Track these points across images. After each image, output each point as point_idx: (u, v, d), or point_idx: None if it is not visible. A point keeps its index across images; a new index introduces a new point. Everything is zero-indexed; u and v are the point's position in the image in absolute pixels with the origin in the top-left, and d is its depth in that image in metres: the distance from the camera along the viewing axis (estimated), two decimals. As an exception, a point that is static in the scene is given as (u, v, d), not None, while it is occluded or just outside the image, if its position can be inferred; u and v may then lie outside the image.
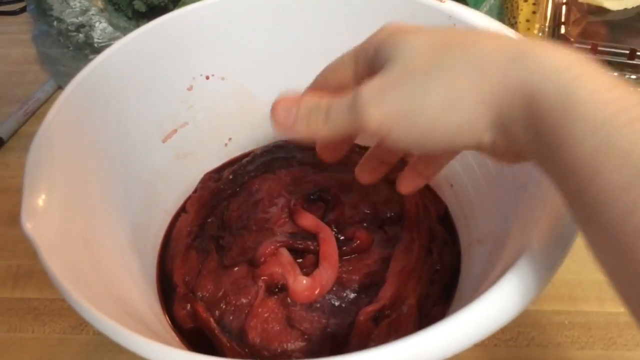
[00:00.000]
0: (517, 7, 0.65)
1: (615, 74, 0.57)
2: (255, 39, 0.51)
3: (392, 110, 0.26)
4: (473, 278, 0.41)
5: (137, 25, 0.68)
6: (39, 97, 0.71)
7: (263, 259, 0.43)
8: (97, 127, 0.43)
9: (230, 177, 0.52)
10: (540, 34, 0.63)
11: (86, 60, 0.65)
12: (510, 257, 0.30)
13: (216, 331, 0.40)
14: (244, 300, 0.41)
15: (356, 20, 0.50)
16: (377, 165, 0.38)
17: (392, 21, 0.30)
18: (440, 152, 0.27)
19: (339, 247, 0.44)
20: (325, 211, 0.47)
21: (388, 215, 0.47)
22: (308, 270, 0.43)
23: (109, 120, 0.44)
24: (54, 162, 0.36)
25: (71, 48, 0.67)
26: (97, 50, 0.65)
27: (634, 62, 0.58)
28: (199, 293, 0.43)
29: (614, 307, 0.47)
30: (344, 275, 0.42)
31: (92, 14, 0.65)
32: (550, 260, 0.28)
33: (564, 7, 0.63)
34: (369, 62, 0.30)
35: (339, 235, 0.45)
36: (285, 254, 0.43)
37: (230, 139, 0.55)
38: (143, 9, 0.68)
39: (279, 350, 0.39)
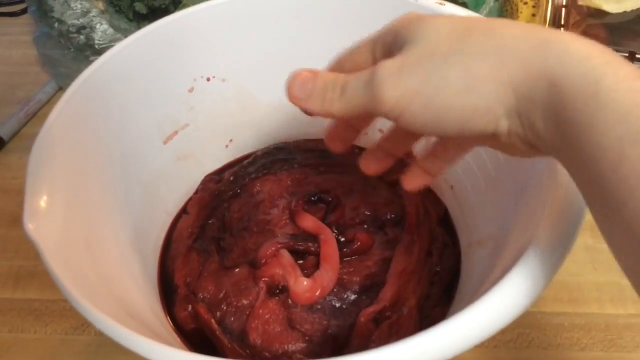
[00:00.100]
0: (517, 10, 0.65)
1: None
2: (256, 40, 0.51)
3: (409, 89, 0.26)
4: (473, 279, 0.41)
5: (138, 27, 0.68)
6: (40, 98, 0.71)
7: (264, 260, 0.43)
8: (98, 129, 0.43)
9: (231, 178, 0.52)
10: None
11: (87, 61, 0.65)
12: (510, 259, 0.30)
13: (217, 332, 0.40)
14: (245, 302, 0.42)
15: (356, 22, 0.50)
16: (383, 157, 0.38)
17: (411, 11, 0.30)
18: (454, 136, 0.26)
19: (340, 249, 0.44)
20: (326, 213, 0.47)
21: (388, 216, 0.47)
22: (309, 271, 0.43)
23: (110, 122, 0.44)
24: (56, 163, 0.37)
25: (72, 49, 0.67)
26: (98, 52, 0.65)
27: (634, 64, 0.58)
28: (200, 294, 0.43)
29: (614, 308, 0.47)
30: (344, 276, 0.42)
31: (93, 16, 0.65)
32: (550, 262, 0.28)
33: (563, 10, 0.63)
34: (388, 46, 0.29)
35: (340, 237, 0.45)
36: (286, 256, 0.43)
37: (231, 140, 0.55)
38: (144, 10, 0.68)
39: (279, 352, 0.39)
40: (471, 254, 0.44)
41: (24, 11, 0.87)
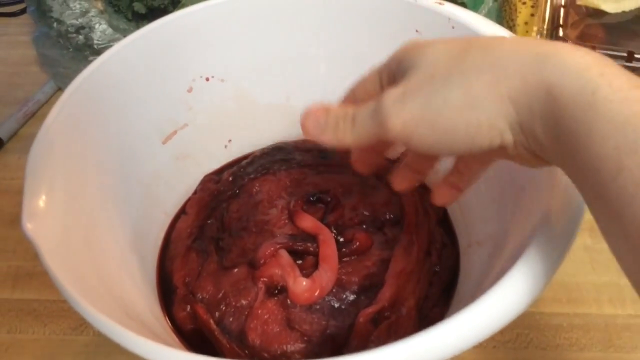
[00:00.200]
0: (516, 10, 0.65)
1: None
2: (255, 40, 0.51)
3: (413, 114, 0.27)
4: (472, 280, 0.41)
5: (137, 27, 0.68)
6: (38, 98, 0.71)
7: (263, 260, 0.43)
8: (97, 129, 0.43)
9: (230, 178, 0.52)
10: (538, 37, 0.63)
11: (86, 61, 0.65)
12: (509, 259, 0.30)
13: (216, 332, 0.40)
14: (243, 302, 0.42)
15: (355, 22, 0.50)
16: (410, 174, 0.39)
17: (413, 39, 0.31)
18: (465, 154, 0.27)
19: (339, 249, 0.44)
20: (325, 213, 0.47)
21: (387, 217, 0.47)
22: (308, 271, 0.43)
23: (109, 122, 0.44)
24: (55, 163, 0.37)
25: (71, 49, 0.67)
26: (97, 52, 0.65)
27: (632, 64, 0.58)
28: (199, 294, 0.43)
29: (612, 309, 0.47)
30: (343, 277, 0.42)
31: (92, 16, 0.65)
32: (549, 262, 0.28)
33: (562, 10, 0.63)
34: (392, 74, 0.31)
35: (339, 237, 0.45)
36: (285, 256, 0.43)
37: (230, 140, 0.55)
38: (143, 10, 0.68)
39: (278, 352, 0.39)
40: (470, 254, 0.44)
41: (22, 11, 0.87)
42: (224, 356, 0.39)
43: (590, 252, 0.51)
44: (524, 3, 0.65)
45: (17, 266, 0.53)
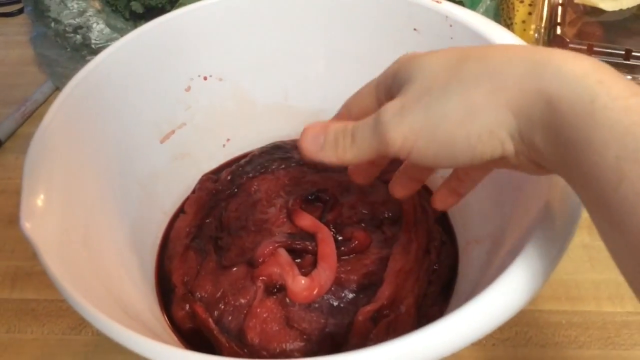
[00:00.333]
0: (513, 8, 0.65)
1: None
2: (253, 39, 0.51)
3: (412, 127, 0.26)
4: (471, 278, 0.41)
5: (135, 27, 0.68)
6: (36, 98, 0.71)
7: (261, 259, 0.43)
8: (95, 128, 0.43)
9: (229, 177, 0.52)
10: (536, 35, 0.63)
11: (84, 61, 0.65)
12: (508, 257, 0.30)
13: (215, 331, 0.40)
14: (242, 301, 0.42)
15: (353, 21, 0.50)
16: (409, 182, 0.39)
17: (408, 52, 0.31)
18: (466, 165, 0.27)
19: (337, 248, 0.44)
20: (323, 211, 0.47)
21: (386, 215, 0.47)
22: (306, 270, 0.43)
23: (107, 121, 0.44)
24: (53, 162, 0.37)
25: (69, 49, 0.67)
26: (95, 52, 0.65)
27: (630, 62, 0.58)
28: (198, 293, 0.43)
29: (611, 306, 0.47)
30: (342, 275, 0.42)
31: (90, 15, 0.65)
32: (547, 260, 0.28)
33: (559, 8, 0.63)
34: (389, 88, 0.30)
35: (337, 236, 0.45)
36: (283, 255, 0.43)
37: (228, 139, 0.55)
38: (140, 10, 0.68)
39: (277, 350, 0.39)
40: (469, 252, 0.44)
41: (20, 11, 0.87)
42: (223, 355, 0.39)
43: (589, 250, 0.51)
44: (522, 1, 0.65)
45: (15, 266, 0.53)
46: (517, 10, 0.65)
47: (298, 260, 0.44)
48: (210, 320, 0.41)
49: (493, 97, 0.25)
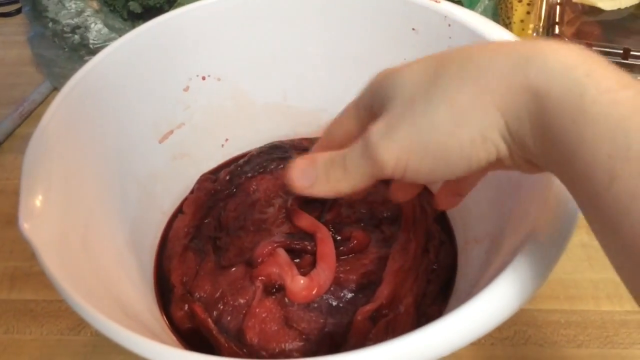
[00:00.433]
0: (512, 8, 0.66)
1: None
2: (251, 39, 0.51)
3: (403, 145, 0.25)
4: (470, 277, 0.41)
5: (133, 27, 0.68)
6: (34, 98, 0.71)
7: (260, 259, 0.43)
8: (93, 128, 0.43)
9: (227, 177, 0.52)
10: (534, 35, 0.63)
11: (82, 61, 0.65)
12: (506, 256, 0.30)
13: (214, 331, 0.40)
14: (241, 301, 0.42)
15: (352, 21, 0.50)
16: (409, 187, 0.37)
17: (382, 70, 0.30)
18: (464, 174, 0.26)
19: (336, 247, 0.44)
20: (322, 211, 0.47)
21: (385, 215, 0.47)
22: (305, 270, 0.43)
23: (106, 121, 0.44)
24: (51, 163, 0.36)
25: (66, 49, 0.67)
26: (93, 52, 0.65)
27: (628, 61, 0.58)
28: (197, 294, 0.43)
29: (610, 305, 0.47)
30: (341, 275, 0.42)
31: (88, 15, 0.65)
32: (546, 259, 0.28)
33: (558, 8, 0.64)
34: (369, 108, 0.29)
35: (336, 235, 0.45)
36: (282, 255, 0.43)
37: (226, 139, 0.55)
38: (138, 10, 0.68)
39: (277, 350, 0.39)
40: (468, 251, 0.44)
41: (18, 11, 0.87)
42: (222, 355, 0.39)
43: (588, 249, 0.51)
44: (520, 1, 0.65)
45: (14, 266, 0.53)
46: (516, 10, 0.65)
47: (297, 260, 0.44)
48: (209, 320, 0.41)
49: (479, 99, 0.24)
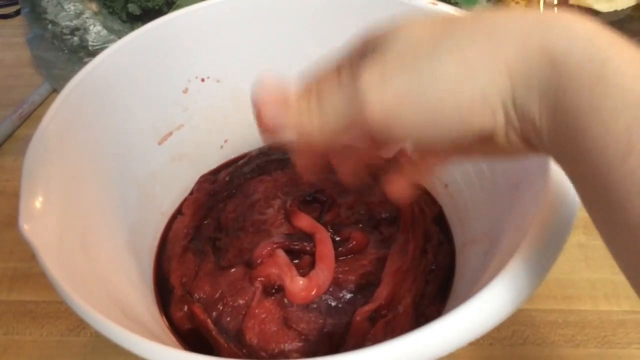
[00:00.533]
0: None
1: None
2: (250, 41, 0.51)
3: (397, 92, 0.23)
4: (468, 278, 0.41)
5: (132, 28, 0.68)
6: (33, 100, 0.71)
7: (260, 260, 0.43)
8: (93, 130, 0.43)
9: (226, 178, 0.52)
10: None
11: (81, 63, 0.65)
12: (504, 257, 0.30)
13: (213, 332, 0.40)
14: (240, 302, 0.42)
15: (349, 22, 0.50)
16: (404, 180, 0.34)
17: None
18: (450, 139, 0.24)
19: (335, 248, 0.44)
20: (321, 212, 0.48)
21: (383, 215, 0.47)
22: (304, 271, 0.43)
23: (105, 123, 0.44)
24: (51, 164, 0.37)
25: (66, 51, 0.67)
26: (92, 53, 0.65)
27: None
28: (196, 294, 0.43)
29: (607, 305, 0.47)
30: (340, 275, 0.43)
31: (87, 17, 0.65)
32: (543, 259, 0.28)
33: (555, 10, 0.64)
34: (357, 60, 0.26)
35: (335, 236, 0.45)
36: (281, 255, 0.43)
37: (225, 140, 0.56)
38: (137, 12, 0.68)
39: (276, 351, 0.39)
40: (466, 252, 0.44)
41: (17, 13, 0.87)
42: (222, 356, 0.39)
43: (585, 250, 0.51)
44: (517, 3, 0.66)
45: (13, 268, 0.53)
46: (513, 11, 0.65)
47: (296, 261, 0.44)
48: (208, 321, 0.41)
49: (489, 58, 0.22)
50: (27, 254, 0.53)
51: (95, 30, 0.65)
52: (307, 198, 0.49)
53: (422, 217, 0.47)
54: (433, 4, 0.45)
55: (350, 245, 0.44)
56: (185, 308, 0.43)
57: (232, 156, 0.56)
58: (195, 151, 0.53)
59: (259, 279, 0.42)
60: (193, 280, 0.44)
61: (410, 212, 0.46)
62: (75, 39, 0.65)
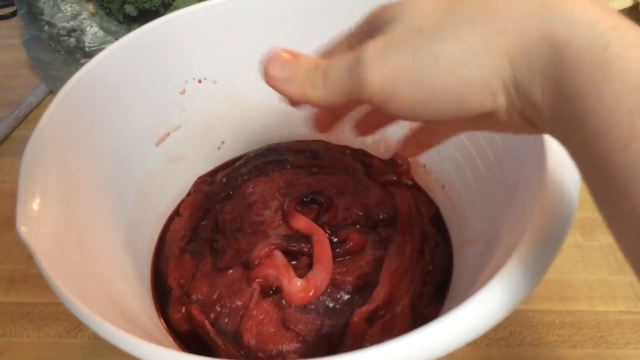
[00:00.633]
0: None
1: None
2: (247, 42, 0.51)
3: (396, 68, 0.24)
4: (465, 278, 0.41)
5: (129, 30, 0.68)
6: (30, 101, 0.71)
7: (257, 261, 0.43)
8: (90, 131, 0.43)
9: (224, 180, 0.52)
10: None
11: (77, 64, 0.65)
12: (501, 258, 0.30)
13: (211, 333, 0.40)
14: (238, 303, 0.42)
15: (347, 23, 0.50)
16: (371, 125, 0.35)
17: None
18: (448, 118, 0.24)
19: (333, 249, 0.44)
20: (319, 213, 0.48)
21: (381, 217, 0.47)
22: (302, 272, 0.43)
23: (102, 124, 0.44)
24: (48, 165, 0.37)
25: (62, 52, 0.67)
26: (89, 55, 0.65)
27: None
28: (194, 296, 0.43)
29: (604, 306, 0.47)
30: (337, 276, 0.43)
31: (83, 18, 0.65)
32: (540, 260, 0.28)
33: None
34: (365, 36, 0.27)
35: (333, 237, 0.45)
36: (279, 256, 0.43)
37: (223, 142, 0.56)
38: (134, 13, 0.68)
39: (274, 352, 0.40)
40: (463, 253, 0.44)
41: (13, 14, 0.87)
42: (220, 357, 0.39)
43: (582, 250, 0.51)
44: None
45: (11, 269, 0.53)
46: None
47: (294, 262, 0.44)
48: (206, 322, 0.41)
49: (490, 42, 0.22)
50: (24, 255, 0.53)
51: (92, 31, 0.65)
52: (305, 199, 0.49)
53: (419, 218, 0.47)
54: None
55: (348, 246, 0.44)
56: (183, 309, 0.43)
57: (230, 157, 0.56)
58: (192, 152, 0.53)
59: (256, 280, 0.42)
60: (191, 282, 0.44)
61: (407, 213, 0.47)
62: (72, 40, 0.65)
